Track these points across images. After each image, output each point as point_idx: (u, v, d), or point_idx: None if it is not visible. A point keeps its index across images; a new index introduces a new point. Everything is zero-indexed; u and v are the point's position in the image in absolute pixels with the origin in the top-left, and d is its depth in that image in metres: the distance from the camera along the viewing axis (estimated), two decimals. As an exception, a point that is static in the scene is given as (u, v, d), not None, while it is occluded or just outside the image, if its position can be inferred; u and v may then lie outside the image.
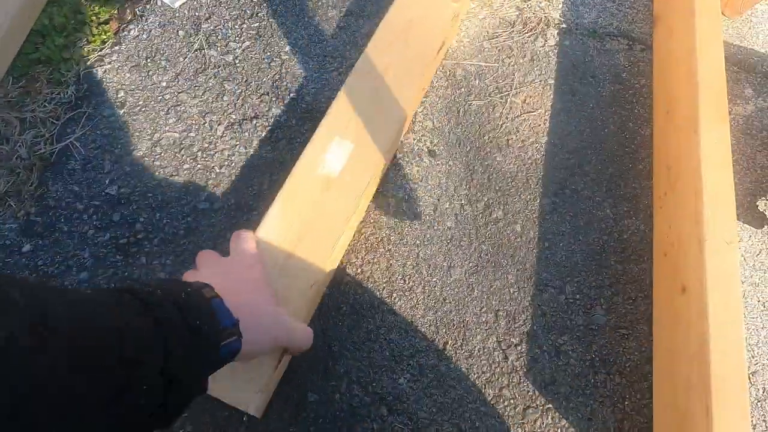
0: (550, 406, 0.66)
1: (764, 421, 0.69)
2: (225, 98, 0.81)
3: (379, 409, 0.64)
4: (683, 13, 0.86)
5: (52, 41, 0.82)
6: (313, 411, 0.63)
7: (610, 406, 0.67)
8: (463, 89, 0.86)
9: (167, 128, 0.78)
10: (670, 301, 0.69)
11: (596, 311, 0.72)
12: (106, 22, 0.84)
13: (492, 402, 0.66)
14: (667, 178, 0.78)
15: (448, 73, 0.87)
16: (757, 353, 0.73)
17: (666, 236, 0.75)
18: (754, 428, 0.69)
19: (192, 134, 0.77)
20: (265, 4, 0.90)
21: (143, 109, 0.79)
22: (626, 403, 0.68)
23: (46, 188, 0.72)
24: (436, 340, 0.69)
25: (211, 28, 0.86)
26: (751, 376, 0.71)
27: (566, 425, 0.65)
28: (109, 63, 0.82)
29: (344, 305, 0.69)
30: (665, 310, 0.70)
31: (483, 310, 0.71)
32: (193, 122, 0.78)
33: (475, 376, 0.67)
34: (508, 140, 0.83)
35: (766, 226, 0.81)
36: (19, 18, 0.79)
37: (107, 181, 0.73)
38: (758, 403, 0.69)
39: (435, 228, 0.75)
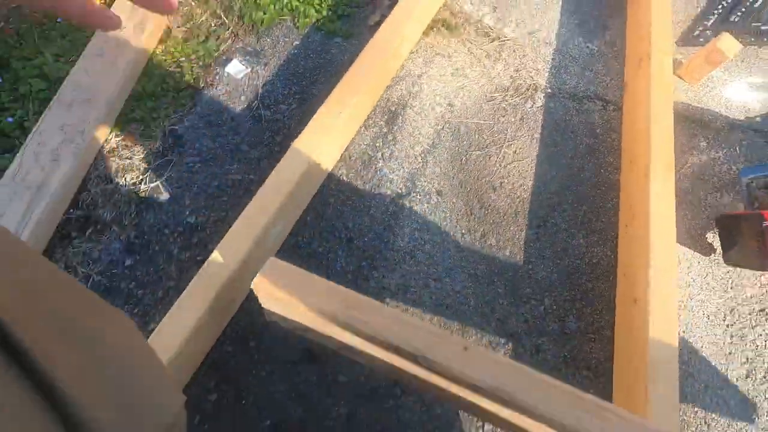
0: (530, 392, 0.84)
1: (703, 408, 0.85)
2: (276, 148, 1.03)
3: (394, 390, 0.83)
4: (643, 82, 1.07)
5: (144, 104, 1.06)
6: (343, 390, 0.82)
7: (578, 394, 0.84)
8: (465, 142, 1.08)
9: (232, 172, 1.00)
10: (626, 310, 0.87)
11: (569, 319, 0.91)
12: (186, 89, 1.08)
13: (484, 388, 0.84)
14: (628, 214, 0.97)
15: (453, 129, 1.09)
16: (699, 356, 0.89)
17: (626, 260, 0.93)
18: (694, 414, 0.85)
19: (251, 176, 0.99)
20: (307, 76, 1.13)
21: (214, 156, 1.01)
22: (591, 391, 0.84)
23: (142, 217, 0.94)
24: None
25: (266, 93, 1.10)
26: (696, 373, 0.88)
27: (542, 407, 0.83)
28: (188, 121, 1.05)
29: (369, 310, 0.88)
30: (622, 317, 0.88)
31: (477, 316, 0.90)
32: (252, 166, 1.01)
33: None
34: (501, 182, 1.04)
35: (712, 254, 0.99)
36: (123, 86, 1.03)
37: (187, 212, 0.95)
38: (699, 394, 0.86)
39: (442, 253, 0.95)
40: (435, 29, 1.22)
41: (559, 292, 0.93)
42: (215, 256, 0.80)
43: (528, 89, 1.16)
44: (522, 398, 0.63)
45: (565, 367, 0.86)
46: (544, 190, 1.04)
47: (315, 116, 0.94)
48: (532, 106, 1.14)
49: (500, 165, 1.06)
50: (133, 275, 0.88)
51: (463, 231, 0.98)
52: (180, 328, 0.74)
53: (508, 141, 1.09)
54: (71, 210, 0.94)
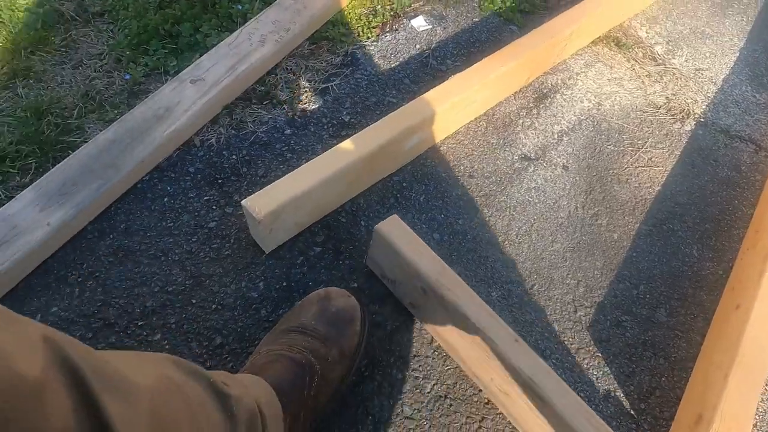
0: (599, 354, 0.84)
1: (784, 442, 0.79)
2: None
3: (472, 304, 0.88)
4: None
5: (338, 29, 1.25)
6: (426, 288, 0.89)
7: (648, 376, 0.83)
8: (603, 136, 1.12)
9: (390, 96, 1.14)
10: (725, 315, 0.85)
11: (660, 311, 0.90)
12: (375, 27, 1.26)
13: (555, 334, 0.86)
14: (753, 239, 0.95)
15: (595, 122, 1.14)
16: (796, 395, 0.83)
17: (738, 277, 0.91)
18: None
19: (404, 103, 1.12)
20: (477, 46, 1.26)
21: (379, 80, 1.16)
22: (663, 379, 0.83)
23: (309, 106, 1.11)
24: (527, 280, 0.91)
25: (438, 48, 1.24)
26: (784, 410, 0.82)
27: (608, 371, 0.83)
28: (367, 50, 1.22)
29: (469, 235, 0.95)
30: (719, 321, 0.86)
31: (569, 276, 0.92)
32: (408, 96, 1.14)
33: (548, 314, 0.88)
34: (627, 179, 1.06)
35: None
36: (327, 10, 1.24)
37: (344, 112, 1.10)
38: (783, 428, 0.80)
39: (551, 214, 1.00)
40: (604, 42, 1.30)
41: (656, 285, 0.93)
42: (357, 136, 0.93)
43: (681, 113, 1.18)
44: (549, 396, 0.67)
45: (642, 349, 0.86)
46: (670, 198, 1.04)
47: (476, 65, 1.06)
48: (680, 127, 1.16)
49: (632, 165, 1.09)
50: (288, 142, 1.04)
51: (578, 205, 1.02)
52: (309, 176, 0.87)
53: (647, 148, 1.11)
54: (257, 84, 1.13)
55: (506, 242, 0.95)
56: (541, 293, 0.90)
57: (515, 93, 1.17)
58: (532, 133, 1.11)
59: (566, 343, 0.85)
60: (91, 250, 0.87)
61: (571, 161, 1.08)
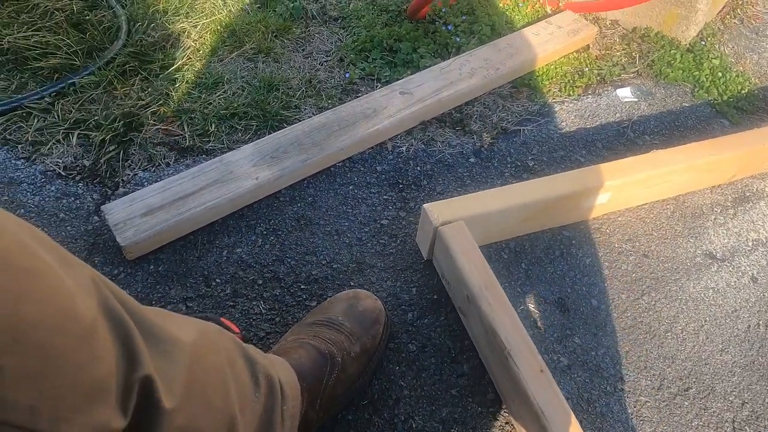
0: (753, 490, 0.75)
1: None
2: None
3: (618, 381, 0.83)
4: None
5: (541, 80, 1.28)
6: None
7: None
8: (807, 259, 1.01)
9: (579, 155, 1.14)
10: None
11: (839, 471, 0.77)
12: (578, 87, 1.27)
13: (703, 449, 0.78)
14: None
15: (800, 242, 1.03)
16: None
17: None
18: None
19: (591, 164, 1.11)
20: (681, 129, 1.21)
21: (571, 137, 1.17)
22: None
23: (496, 143, 1.15)
24: (683, 380, 0.84)
25: (639, 121, 1.21)
26: None
27: None
28: (565, 106, 1.24)
29: (629, 312, 0.91)
30: None
31: (733, 392, 0.83)
32: (597, 159, 1.13)
33: (702, 423, 0.80)
34: (827, 313, 0.94)
35: None
36: (536, 59, 1.28)
37: (530, 157, 1.12)
38: None
39: (727, 322, 0.91)
40: (830, 162, 1.18)
41: (840, 441, 0.80)
42: (542, 180, 0.94)
43: None
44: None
45: (807, 504, 0.74)
46: None
47: (683, 146, 1.02)
48: None
49: (836, 300, 0.96)
50: (470, 169, 1.08)
51: (761, 322, 0.92)
52: (490, 201, 0.89)
53: None
54: (455, 110, 1.20)
55: (669, 334, 0.89)
56: (697, 399, 0.82)
57: (713, 186, 1.10)
58: (723, 233, 1.03)
59: (715, 462, 0.77)
60: (280, 210, 0.98)
61: (762, 275, 0.98)
